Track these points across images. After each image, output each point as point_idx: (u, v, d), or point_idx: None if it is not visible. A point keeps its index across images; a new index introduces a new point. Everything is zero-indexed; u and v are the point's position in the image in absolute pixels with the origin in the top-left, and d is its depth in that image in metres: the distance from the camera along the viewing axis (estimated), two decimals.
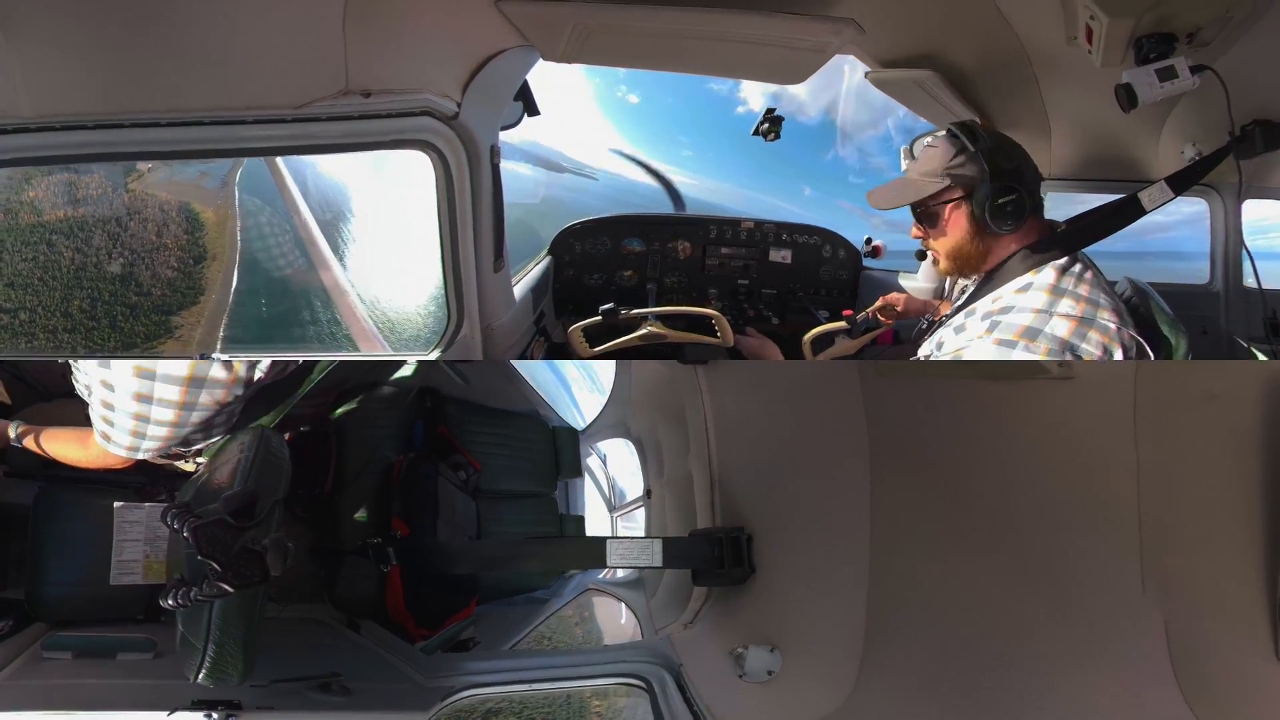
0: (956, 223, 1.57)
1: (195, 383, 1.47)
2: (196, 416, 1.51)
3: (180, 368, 1.46)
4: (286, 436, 1.89)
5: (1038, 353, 1.42)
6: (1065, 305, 1.47)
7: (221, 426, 1.63)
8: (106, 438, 1.53)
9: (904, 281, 3.12)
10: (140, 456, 1.56)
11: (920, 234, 1.65)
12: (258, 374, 1.59)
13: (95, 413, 1.52)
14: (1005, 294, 1.54)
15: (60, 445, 1.70)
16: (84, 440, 1.63)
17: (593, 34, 1.81)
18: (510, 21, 1.75)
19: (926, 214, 1.61)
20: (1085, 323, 1.45)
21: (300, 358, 1.82)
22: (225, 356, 1.57)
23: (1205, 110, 1.82)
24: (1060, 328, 1.45)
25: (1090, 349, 1.43)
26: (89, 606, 1.81)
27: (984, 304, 1.56)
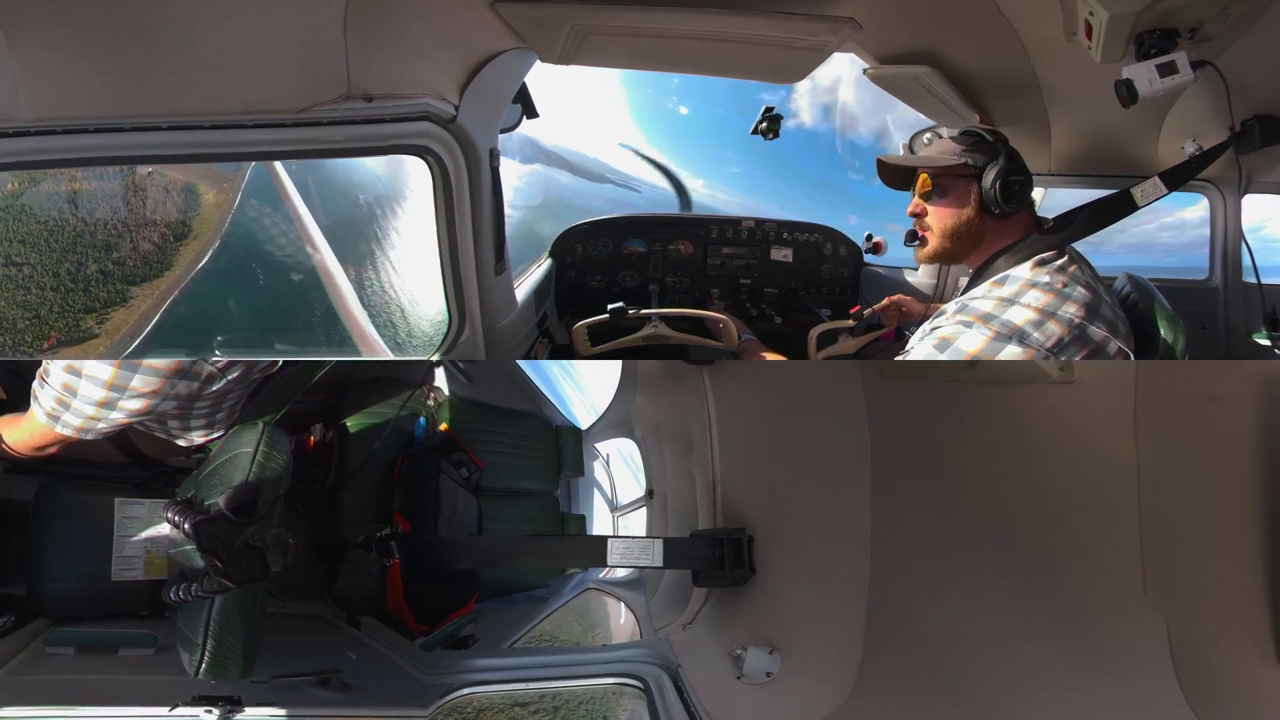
0: (962, 198, 1.64)
1: (128, 365, 1.48)
2: (130, 402, 1.50)
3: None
4: (288, 432, 1.90)
5: (986, 334, 1.46)
6: (1031, 296, 1.49)
7: (179, 418, 1.64)
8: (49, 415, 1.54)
9: (907, 277, 3.11)
10: (62, 431, 1.57)
11: (919, 210, 1.71)
12: (234, 371, 1.60)
13: (37, 388, 1.54)
14: (985, 285, 1.58)
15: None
16: (14, 422, 1.66)
17: (590, 35, 1.81)
18: (506, 23, 1.75)
19: (939, 186, 1.67)
20: (1045, 314, 1.47)
21: (300, 359, 1.83)
22: (224, 359, 1.60)
23: (1206, 106, 1.80)
24: (1018, 316, 1.47)
25: (1040, 338, 1.45)
26: (91, 602, 1.82)
27: (967, 295, 1.60)
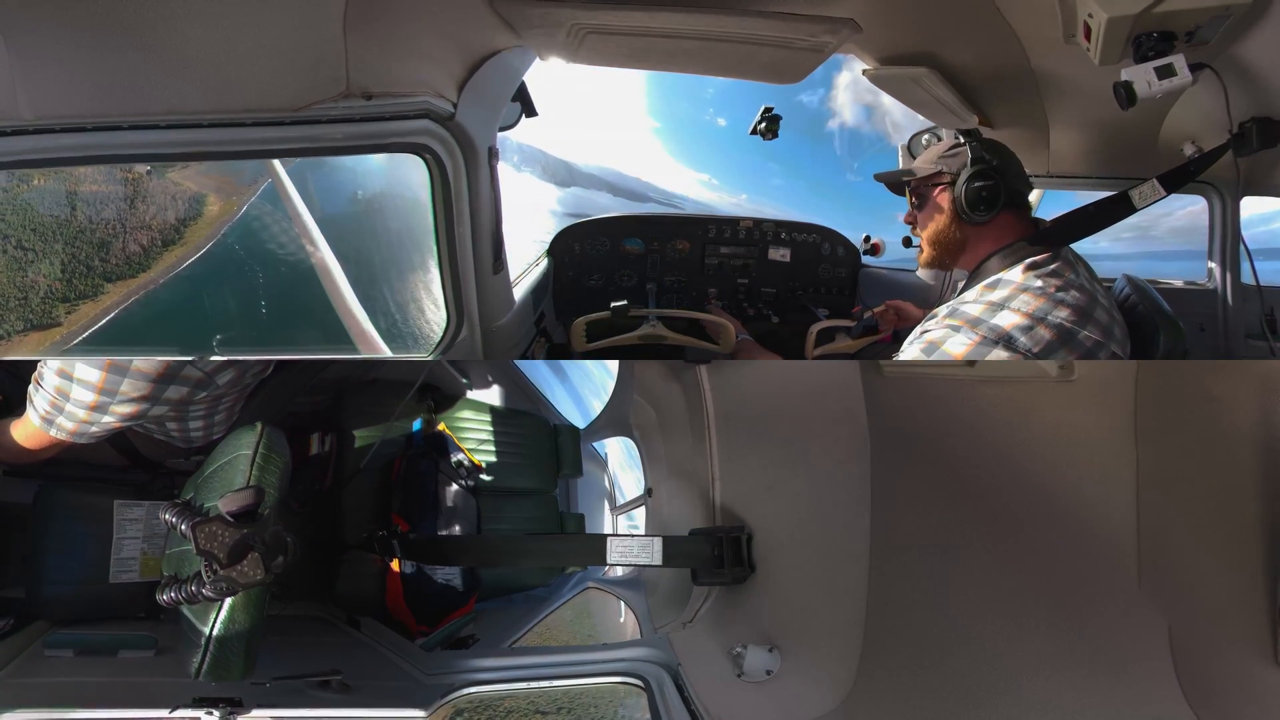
0: (940, 207, 1.69)
1: (116, 369, 1.48)
2: (120, 406, 1.51)
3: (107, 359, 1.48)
4: (287, 435, 1.90)
5: (973, 339, 1.46)
6: (1021, 301, 1.49)
7: (175, 420, 1.63)
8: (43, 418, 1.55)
9: (918, 276, 3.11)
10: (56, 434, 1.58)
11: (911, 220, 1.78)
12: (225, 375, 1.60)
13: (32, 391, 1.55)
14: (976, 289, 1.57)
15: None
16: (12, 425, 1.67)
17: (589, 34, 1.81)
18: (506, 21, 1.75)
19: (918, 196, 1.74)
20: (1035, 319, 1.46)
21: (300, 358, 1.83)
22: (214, 363, 1.59)
23: (1205, 108, 1.81)
24: (1006, 320, 1.47)
25: (1028, 344, 1.44)
26: (90, 604, 1.82)
27: (958, 298, 1.60)
